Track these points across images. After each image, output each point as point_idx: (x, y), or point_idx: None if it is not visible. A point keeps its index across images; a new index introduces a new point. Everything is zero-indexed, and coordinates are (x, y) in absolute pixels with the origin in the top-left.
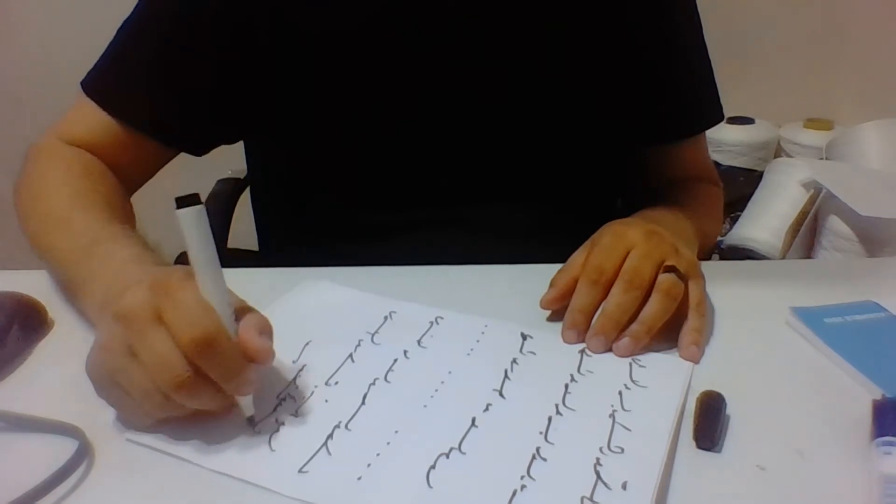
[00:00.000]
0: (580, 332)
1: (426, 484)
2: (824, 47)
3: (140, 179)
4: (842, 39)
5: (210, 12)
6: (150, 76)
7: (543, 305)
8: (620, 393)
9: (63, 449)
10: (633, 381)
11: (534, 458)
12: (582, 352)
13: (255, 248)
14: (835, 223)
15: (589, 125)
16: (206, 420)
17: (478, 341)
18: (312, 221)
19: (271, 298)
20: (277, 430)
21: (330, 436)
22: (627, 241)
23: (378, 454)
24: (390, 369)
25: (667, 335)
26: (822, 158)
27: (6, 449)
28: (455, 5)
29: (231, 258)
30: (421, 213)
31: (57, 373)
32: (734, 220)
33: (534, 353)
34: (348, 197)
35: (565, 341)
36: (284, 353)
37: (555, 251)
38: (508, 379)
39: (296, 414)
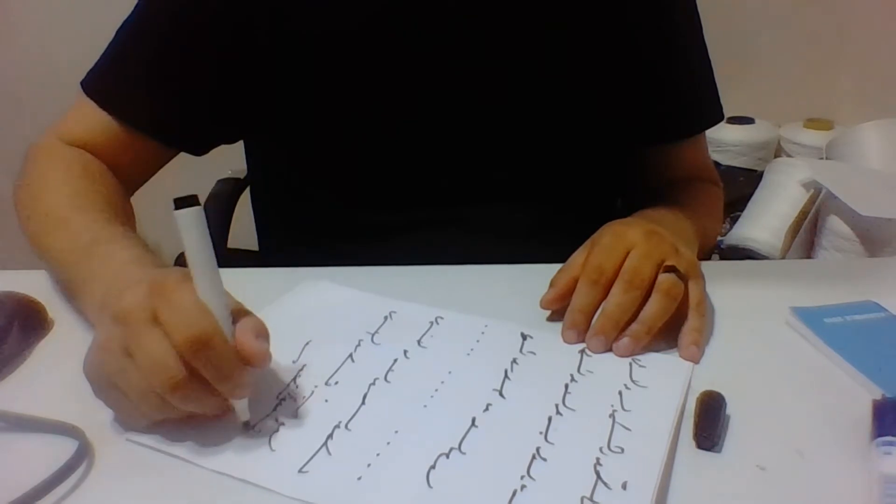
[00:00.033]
0: (580, 332)
1: (426, 484)
2: (824, 47)
3: (140, 179)
4: (842, 39)
5: (210, 12)
6: (150, 76)
7: (543, 305)
8: (620, 393)
9: (63, 449)
10: (633, 381)
11: (534, 458)
12: (582, 352)
13: (255, 248)
14: (835, 223)
15: (589, 125)
16: (206, 421)
17: (478, 341)
18: (312, 221)
19: (271, 298)
20: (277, 430)
21: (330, 436)
22: (627, 241)
23: (378, 454)
24: (390, 369)
25: (667, 335)
26: (822, 158)
27: (6, 449)
28: (455, 5)
29: (231, 258)
30: (421, 213)
31: (57, 373)
32: (734, 220)
33: (534, 353)
34: (348, 197)
35: (565, 341)
36: (284, 352)
37: (555, 251)
38: (508, 379)
39: (296, 414)
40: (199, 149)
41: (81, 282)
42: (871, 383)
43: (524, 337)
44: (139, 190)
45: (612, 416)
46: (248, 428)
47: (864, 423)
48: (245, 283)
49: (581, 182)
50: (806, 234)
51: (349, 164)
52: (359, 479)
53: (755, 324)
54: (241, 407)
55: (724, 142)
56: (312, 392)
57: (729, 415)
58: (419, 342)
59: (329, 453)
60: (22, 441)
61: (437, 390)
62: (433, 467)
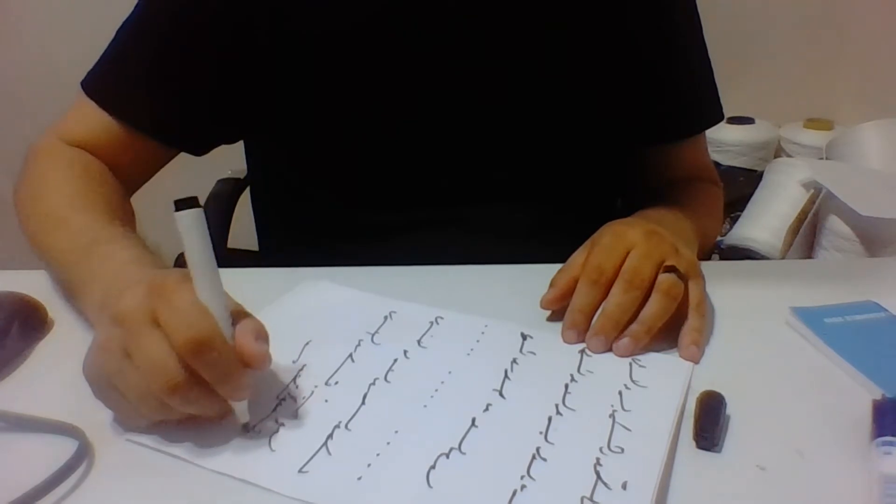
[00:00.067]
0: (580, 332)
1: (426, 484)
2: (824, 47)
3: (140, 180)
4: (842, 39)
5: (210, 12)
6: (150, 76)
7: (543, 305)
8: (620, 393)
9: (63, 449)
10: (633, 381)
11: (534, 458)
12: (582, 352)
13: (255, 248)
14: (835, 223)
15: (589, 125)
16: (205, 422)
17: (478, 341)
18: (312, 221)
19: (271, 298)
20: (277, 431)
21: (330, 436)
22: (627, 241)
23: (378, 454)
24: (390, 369)
25: (667, 335)
26: (822, 158)
27: (6, 449)
28: (455, 5)
29: (231, 258)
30: (421, 213)
31: (57, 373)
32: (734, 220)
33: (534, 353)
34: (348, 197)
35: (565, 341)
36: (284, 353)
37: (555, 251)
38: (508, 379)
39: (296, 414)
40: (200, 149)
41: (81, 282)
42: (871, 383)
43: (524, 337)
44: (139, 190)
45: (612, 416)
46: (248, 429)
47: (864, 423)
48: (245, 284)
49: (581, 182)
50: (806, 234)
51: (349, 164)
52: (359, 479)
53: (755, 324)
54: (241, 409)
55: (724, 142)
56: (312, 392)
57: (729, 415)
58: (419, 342)
59: (329, 453)
60: (22, 441)
61: (437, 390)
62: (433, 467)
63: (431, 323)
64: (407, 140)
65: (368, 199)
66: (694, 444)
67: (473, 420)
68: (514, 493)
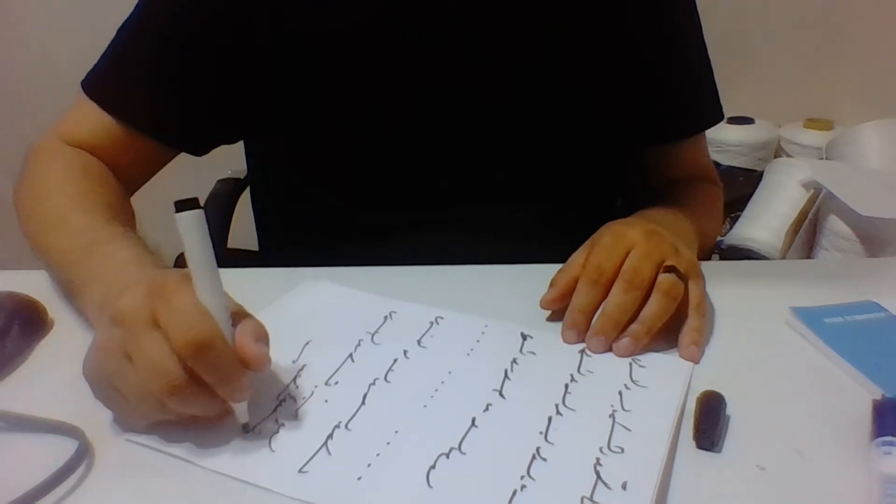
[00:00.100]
0: (580, 332)
1: (426, 484)
2: (824, 47)
3: (140, 180)
4: (842, 39)
5: (210, 12)
6: (150, 76)
7: (543, 305)
8: (620, 393)
9: (63, 449)
10: (633, 381)
11: (534, 458)
12: (582, 352)
13: (255, 248)
14: (835, 223)
15: (589, 125)
16: (205, 422)
17: (478, 341)
18: (312, 221)
19: (271, 298)
20: (277, 431)
21: (330, 436)
22: (627, 241)
23: (378, 454)
24: (390, 369)
25: (667, 335)
26: (822, 158)
27: (6, 449)
28: (455, 5)
29: (231, 258)
30: (421, 213)
31: (57, 373)
32: (734, 220)
33: (534, 353)
34: (348, 197)
35: (565, 341)
36: (284, 353)
37: (555, 251)
38: (508, 379)
39: (296, 414)
40: (200, 149)
41: (81, 282)
42: (871, 383)
43: (524, 337)
44: (139, 190)
45: (612, 416)
46: (248, 430)
47: (864, 423)
48: (245, 284)
49: (581, 182)
50: (806, 234)
51: (349, 164)
52: (359, 479)
53: (755, 324)
54: (241, 409)
55: (724, 142)
56: (312, 392)
57: (729, 415)
58: (419, 342)
59: (329, 453)
60: (22, 441)
61: (437, 390)
62: (433, 467)
63: (431, 323)
64: (407, 140)
65: (368, 199)
66: (694, 444)
67: (473, 420)
68: (514, 493)
